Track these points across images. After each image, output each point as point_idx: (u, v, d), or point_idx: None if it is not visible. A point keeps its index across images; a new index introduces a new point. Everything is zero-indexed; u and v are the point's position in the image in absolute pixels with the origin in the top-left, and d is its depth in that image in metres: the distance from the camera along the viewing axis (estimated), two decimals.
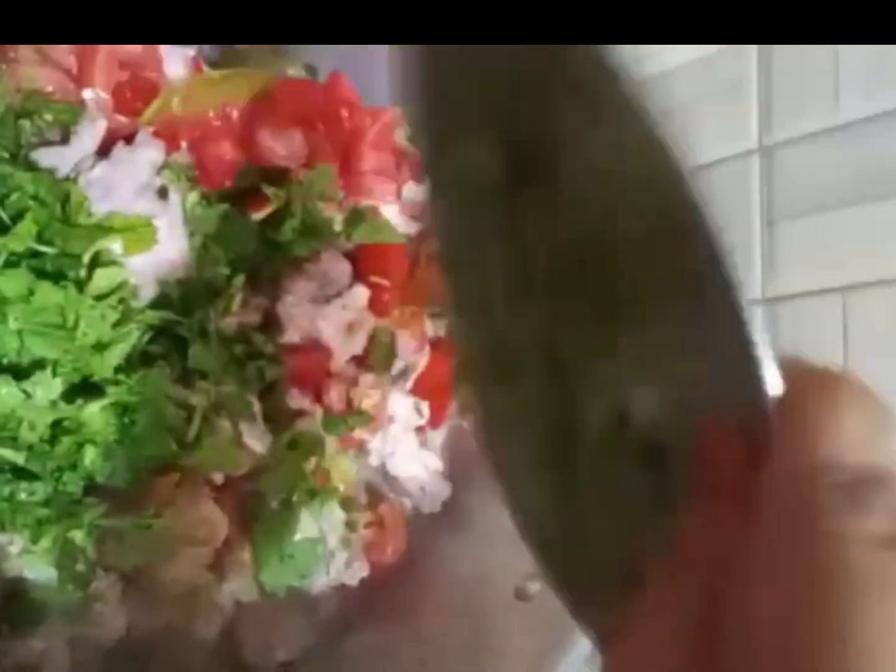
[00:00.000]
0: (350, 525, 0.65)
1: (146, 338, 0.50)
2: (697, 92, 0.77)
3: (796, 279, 0.70)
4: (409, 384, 0.68)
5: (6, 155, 0.45)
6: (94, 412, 0.46)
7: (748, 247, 0.72)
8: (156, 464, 0.50)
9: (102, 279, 0.47)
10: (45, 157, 0.48)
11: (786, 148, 0.72)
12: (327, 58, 0.63)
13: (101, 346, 0.47)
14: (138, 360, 0.50)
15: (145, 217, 0.49)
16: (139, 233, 0.49)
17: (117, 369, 0.48)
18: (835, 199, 0.69)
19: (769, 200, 0.72)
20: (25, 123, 0.47)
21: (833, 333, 0.68)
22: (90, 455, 0.47)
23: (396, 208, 0.65)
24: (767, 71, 0.73)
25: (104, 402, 0.47)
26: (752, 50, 0.74)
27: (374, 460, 0.68)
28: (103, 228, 0.48)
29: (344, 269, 0.60)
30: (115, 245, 0.49)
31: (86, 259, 0.47)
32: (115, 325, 0.48)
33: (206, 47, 0.59)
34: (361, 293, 0.61)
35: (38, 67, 0.48)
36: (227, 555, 0.58)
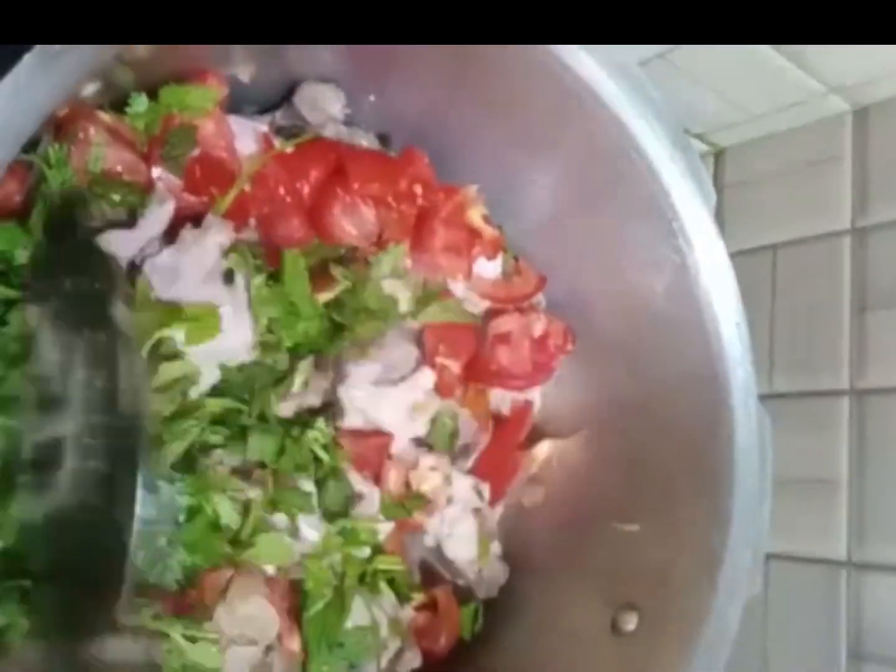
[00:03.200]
0: (401, 606, 0.62)
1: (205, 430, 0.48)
2: (787, 164, 0.73)
3: (888, 372, 0.66)
4: (470, 463, 0.66)
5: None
6: None
7: (836, 335, 0.68)
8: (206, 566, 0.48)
9: (166, 373, 0.45)
10: (110, 241, 0.46)
11: (881, 231, 0.68)
12: (400, 127, 0.61)
13: (158, 442, 0.45)
14: (196, 454, 0.48)
15: (211, 305, 0.47)
16: (204, 322, 0.47)
17: (173, 466, 0.46)
18: None
19: (861, 286, 0.68)
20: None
21: None
22: (140, 558, 0.44)
23: (465, 286, 0.62)
24: (862, 146, 0.69)
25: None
26: (847, 123, 0.70)
27: (429, 540, 0.65)
28: (167, 318, 0.46)
29: (410, 351, 0.58)
30: (178, 335, 0.46)
31: (145, 351, 0.45)
32: (173, 418, 0.46)
33: (279, 118, 0.57)
34: (427, 376, 0.58)
35: (107, 147, 0.47)
36: (276, 649, 0.55)
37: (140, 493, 0.37)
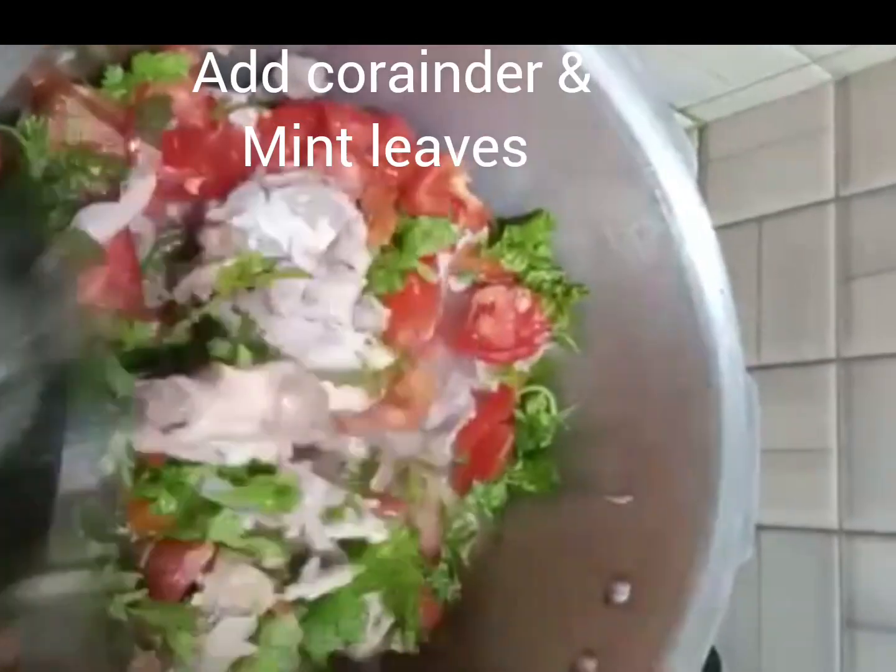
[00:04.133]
0: None
1: None
2: (770, 136, 0.73)
3: (875, 340, 0.66)
4: (452, 436, 0.65)
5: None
6: None
7: (822, 303, 0.68)
8: None
9: None
10: (93, 216, 0.45)
11: (865, 199, 0.68)
12: (381, 103, 0.61)
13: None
14: None
15: None
16: None
17: None
18: None
19: (846, 255, 0.68)
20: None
21: None
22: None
23: (449, 259, 0.62)
24: (845, 115, 0.69)
25: None
26: (829, 93, 0.70)
27: None
28: None
29: None
30: None
31: None
32: None
33: (259, 93, 0.57)
34: None
35: (85, 119, 0.46)
36: (270, 623, 0.55)
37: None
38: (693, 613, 0.55)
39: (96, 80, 0.49)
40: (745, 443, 0.56)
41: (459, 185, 0.61)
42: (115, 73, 0.48)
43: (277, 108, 0.56)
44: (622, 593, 0.58)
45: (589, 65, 0.54)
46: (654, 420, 0.60)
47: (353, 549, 0.55)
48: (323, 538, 0.53)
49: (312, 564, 0.53)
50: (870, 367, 0.66)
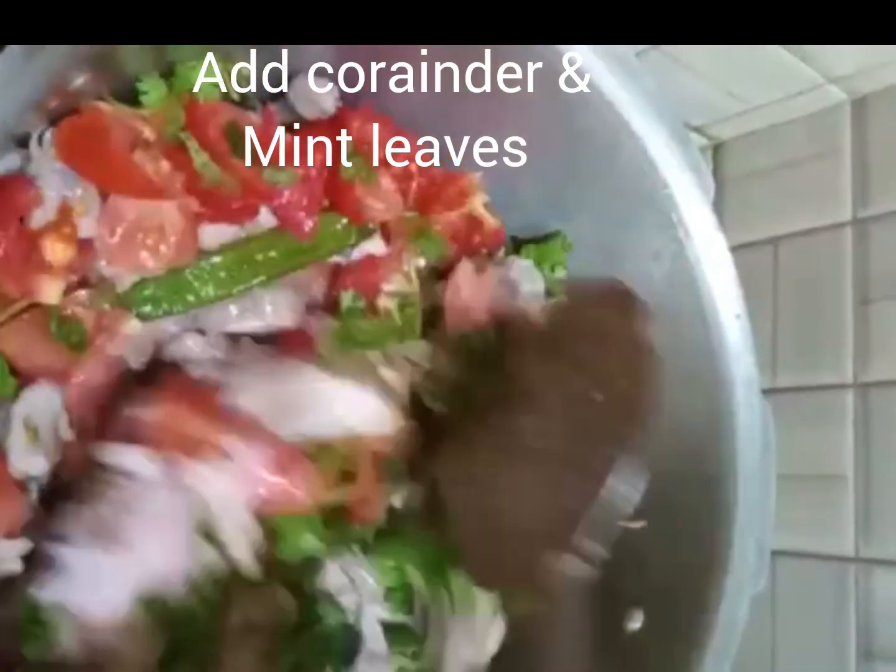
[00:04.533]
0: None
1: None
2: (786, 156, 0.73)
3: (893, 365, 0.65)
4: None
5: None
6: None
7: (839, 327, 0.67)
8: None
9: None
10: None
11: (883, 221, 0.67)
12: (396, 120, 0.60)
13: None
14: None
15: None
16: None
17: None
18: None
19: (863, 278, 0.67)
20: None
21: None
22: None
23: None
24: (862, 136, 0.69)
25: None
26: (846, 113, 0.69)
27: None
28: None
29: None
30: None
31: None
32: None
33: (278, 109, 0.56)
34: None
35: None
36: None
37: None
38: (708, 641, 0.54)
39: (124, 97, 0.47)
40: (760, 468, 0.56)
41: (477, 203, 0.61)
42: (157, 86, 0.45)
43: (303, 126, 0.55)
44: (636, 620, 0.57)
45: (603, 87, 0.53)
46: (667, 445, 0.59)
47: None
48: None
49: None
50: (887, 392, 0.65)
